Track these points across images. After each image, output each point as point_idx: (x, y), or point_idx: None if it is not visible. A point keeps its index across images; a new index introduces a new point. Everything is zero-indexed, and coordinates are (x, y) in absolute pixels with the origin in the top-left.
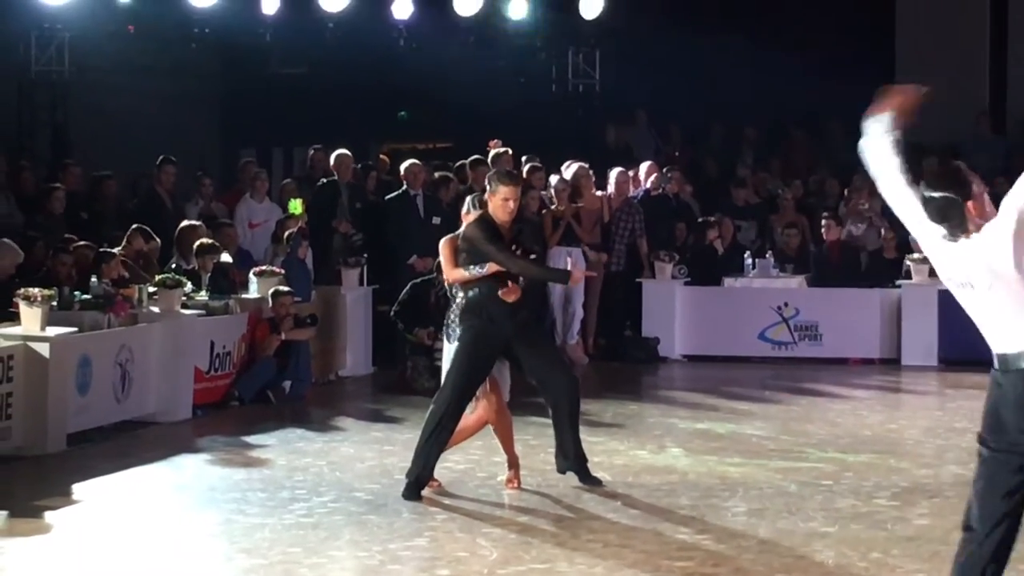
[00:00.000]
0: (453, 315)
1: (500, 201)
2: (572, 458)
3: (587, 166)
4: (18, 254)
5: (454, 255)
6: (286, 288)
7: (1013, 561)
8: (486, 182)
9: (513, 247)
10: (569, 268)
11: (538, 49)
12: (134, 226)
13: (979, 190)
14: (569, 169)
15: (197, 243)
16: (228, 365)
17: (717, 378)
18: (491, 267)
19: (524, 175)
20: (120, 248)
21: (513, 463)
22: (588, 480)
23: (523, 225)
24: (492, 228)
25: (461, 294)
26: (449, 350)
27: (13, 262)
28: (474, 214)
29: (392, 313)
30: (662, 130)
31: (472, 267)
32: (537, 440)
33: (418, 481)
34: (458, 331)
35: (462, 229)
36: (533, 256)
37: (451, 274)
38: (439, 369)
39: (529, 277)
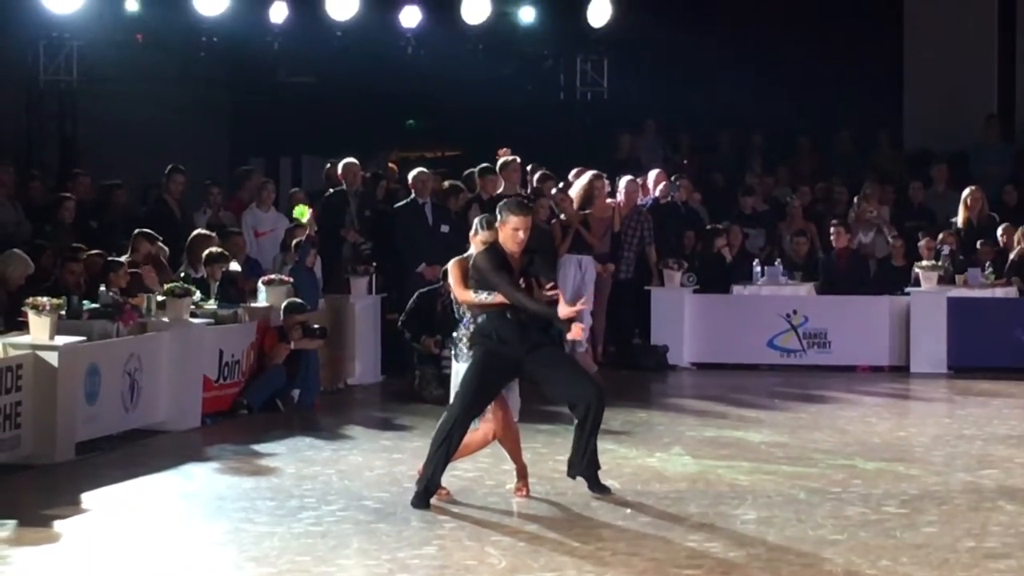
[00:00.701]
0: (461, 335)
1: (510, 231)
2: (586, 464)
3: (603, 175)
4: (28, 265)
5: (463, 277)
6: (300, 301)
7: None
8: (497, 211)
9: (521, 279)
10: (563, 308)
11: (546, 57)
12: (137, 231)
13: None
14: (580, 177)
15: (206, 252)
16: (237, 374)
17: (726, 386)
18: (499, 296)
19: (534, 183)
20: (127, 256)
21: (522, 472)
22: (597, 488)
23: (535, 255)
24: (500, 258)
25: (468, 316)
26: (457, 369)
27: (23, 273)
28: (482, 235)
29: (399, 323)
30: (670, 138)
31: (482, 293)
32: (546, 448)
33: (427, 490)
34: (467, 352)
35: (471, 252)
36: (552, 285)
37: (461, 296)
38: (447, 378)
39: (526, 312)
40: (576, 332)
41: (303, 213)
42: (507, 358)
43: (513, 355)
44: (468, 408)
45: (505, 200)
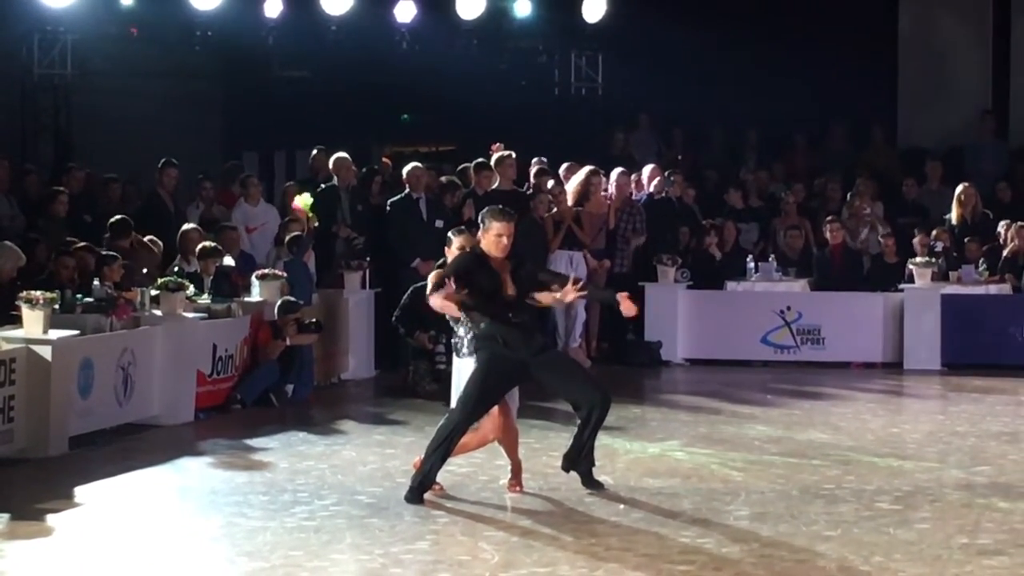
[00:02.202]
0: (462, 332)
1: (494, 237)
2: (581, 460)
3: (600, 171)
4: (20, 257)
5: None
6: (293, 300)
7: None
8: (479, 219)
9: (512, 284)
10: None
11: (540, 52)
12: (112, 220)
13: None
14: (577, 173)
15: (199, 246)
16: (230, 368)
17: (719, 382)
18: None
19: (532, 178)
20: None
21: (516, 468)
22: (591, 484)
23: (524, 261)
24: (470, 262)
25: (463, 315)
26: (458, 364)
27: (15, 265)
28: (457, 241)
29: (393, 318)
30: (664, 134)
31: (435, 294)
32: (539, 443)
33: (421, 486)
34: (466, 348)
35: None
36: (575, 279)
37: (431, 301)
38: (441, 372)
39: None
40: (627, 307)
41: (307, 205)
42: (512, 362)
43: (518, 359)
44: (470, 414)
45: (488, 207)
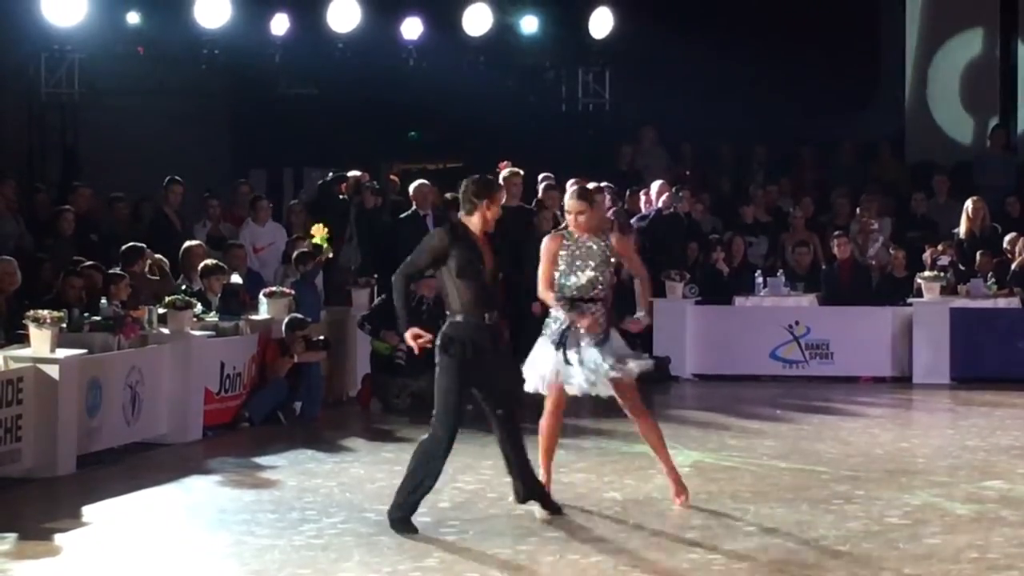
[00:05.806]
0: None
1: (486, 209)
2: (527, 486)
3: (602, 188)
4: (11, 263)
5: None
6: (301, 316)
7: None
8: (467, 200)
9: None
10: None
11: (548, 68)
12: (125, 247)
13: None
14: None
15: (201, 264)
16: (238, 386)
17: (728, 397)
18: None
19: (539, 193)
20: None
21: (547, 477)
22: (550, 507)
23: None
24: (454, 236)
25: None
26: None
27: (12, 279)
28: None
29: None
30: (672, 149)
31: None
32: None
33: (406, 513)
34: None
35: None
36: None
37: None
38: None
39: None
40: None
41: (323, 238)
42: (473, 370)
43: (481, 365)
44: (452, 428)
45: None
